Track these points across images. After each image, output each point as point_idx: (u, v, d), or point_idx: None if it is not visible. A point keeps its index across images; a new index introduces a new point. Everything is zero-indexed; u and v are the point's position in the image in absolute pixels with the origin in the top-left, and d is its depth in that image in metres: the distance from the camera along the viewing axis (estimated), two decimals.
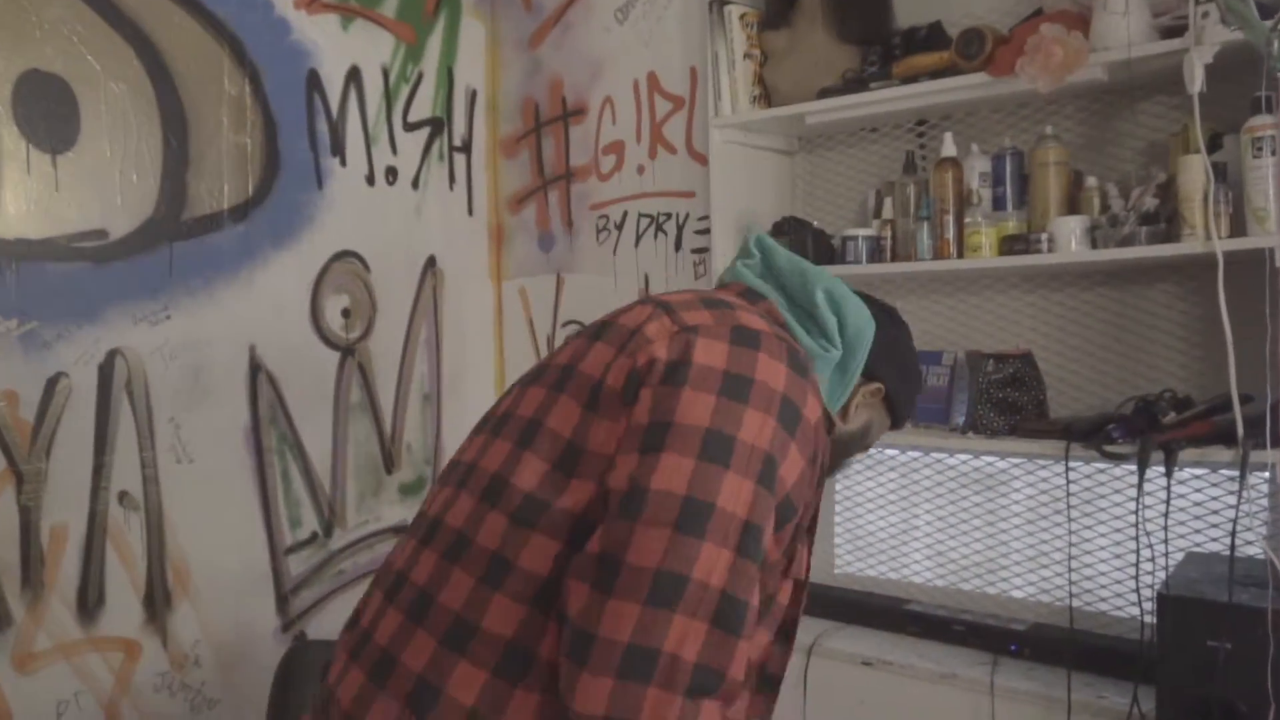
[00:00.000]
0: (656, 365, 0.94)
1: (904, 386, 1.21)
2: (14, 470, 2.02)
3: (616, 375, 0.96)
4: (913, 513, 2.39)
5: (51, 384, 2.07)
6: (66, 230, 2.09)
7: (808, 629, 2.31)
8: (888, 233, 2.18)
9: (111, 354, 2.16)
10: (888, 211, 2.21)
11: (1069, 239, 1.89)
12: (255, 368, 2.42)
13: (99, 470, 2.14)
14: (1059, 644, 1.96)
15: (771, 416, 0.93)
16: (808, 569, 1.15)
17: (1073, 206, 1.96)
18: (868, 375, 1.15)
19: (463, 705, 0.91)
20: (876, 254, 2.18)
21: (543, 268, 2.93)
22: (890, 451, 2.42)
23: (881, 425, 1.24)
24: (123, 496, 2.18)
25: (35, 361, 2.04)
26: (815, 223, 2.29)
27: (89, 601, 2.13)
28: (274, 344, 2.45)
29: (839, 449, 1.19)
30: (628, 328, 1.01)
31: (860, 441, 1.23)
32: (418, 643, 0.95)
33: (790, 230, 2.24)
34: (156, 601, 2.24)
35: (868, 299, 1.19)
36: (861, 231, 2.19)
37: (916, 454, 2.38)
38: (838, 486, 2.52)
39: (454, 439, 2.84)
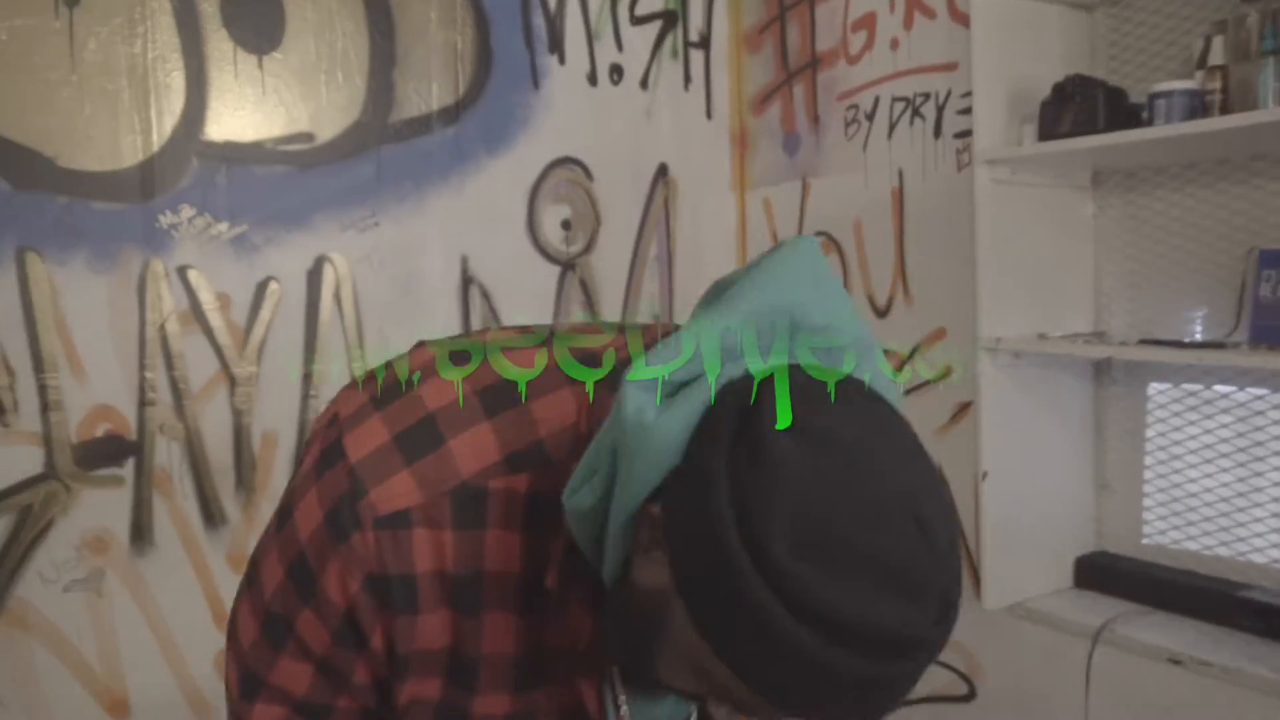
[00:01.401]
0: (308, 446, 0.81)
1: (693, 548, 0.62)
2: (227, 373, 2.04)
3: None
4: (1256, 470, 1.81)
5: (261, 288, 2.07)
6: (273, 133, 2.07)
7: (1095, 609, 1.86)
8: (1216, 83, 1.61)
9: (320, 260, 2.13)
10: (1216, 56, 1.63)
11: None
12: (467, 280, 2.31)
13: (308, 378, 2.13)
14: None
15: (281, 567, 0.77)
16: None
17: None
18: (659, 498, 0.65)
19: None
20: (1199, 111, 1.61)
21: (788, 174, 2.57)
22: (1223, 389, 1.84)
23: (686, 628, 0.63)
24: None
25: (245, 265, 2.05)
26: (1111, 82, 1.75)
27: None
28: (487, 256, 2.32)
29: (624, 620, 0.69)
30: None
31: (655, 623, 0.65)
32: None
33: (1076, 91, 1.73)
34: None
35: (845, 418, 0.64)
36: (1177, 85, 1.63)
37: (1261, 391, 1.79)
38: (1148, 434, 1.97)
39: None
